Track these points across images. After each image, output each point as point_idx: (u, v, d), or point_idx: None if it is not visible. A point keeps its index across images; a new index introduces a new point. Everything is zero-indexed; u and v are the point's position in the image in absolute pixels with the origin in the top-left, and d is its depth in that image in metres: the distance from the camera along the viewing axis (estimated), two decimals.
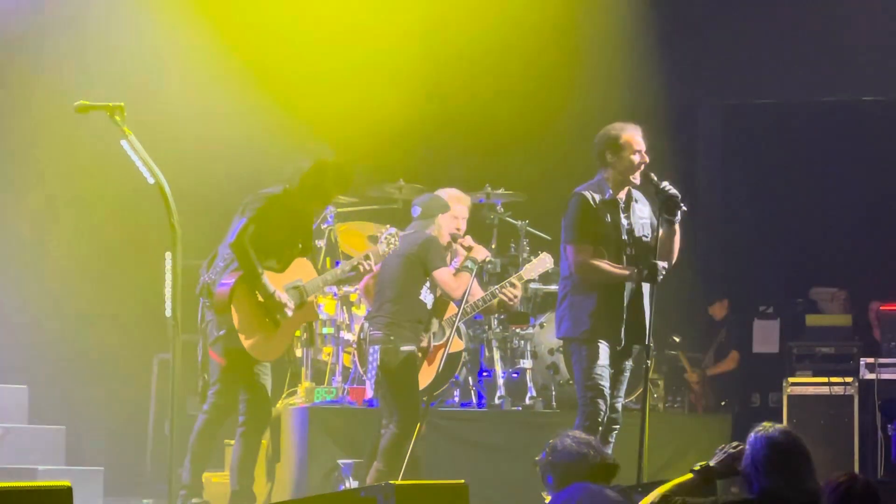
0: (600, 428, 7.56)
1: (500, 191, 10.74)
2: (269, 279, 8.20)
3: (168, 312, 7.06)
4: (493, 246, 10.75)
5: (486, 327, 10.37)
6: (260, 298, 8.20)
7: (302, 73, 11.96)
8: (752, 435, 4.64)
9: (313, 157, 8.51)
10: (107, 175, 10.31)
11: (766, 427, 4.62)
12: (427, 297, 8.63)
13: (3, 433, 9.41)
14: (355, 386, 9.95)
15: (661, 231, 7.64)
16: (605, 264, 7.60)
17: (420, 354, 8.62)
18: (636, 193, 7.90)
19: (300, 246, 8.54)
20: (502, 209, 10.84)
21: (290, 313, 8.28)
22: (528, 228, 10.62)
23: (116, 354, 11.44)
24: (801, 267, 14.27)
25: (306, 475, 9.39)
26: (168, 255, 7.17)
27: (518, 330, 10.29)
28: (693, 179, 15.03)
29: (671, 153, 14.62)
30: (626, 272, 7.62)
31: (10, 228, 10.91)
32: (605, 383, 7.61)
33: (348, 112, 12.90)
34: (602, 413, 7.58)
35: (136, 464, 11.68)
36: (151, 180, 6.74)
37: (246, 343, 8.12)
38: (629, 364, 7.85)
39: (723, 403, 12.18)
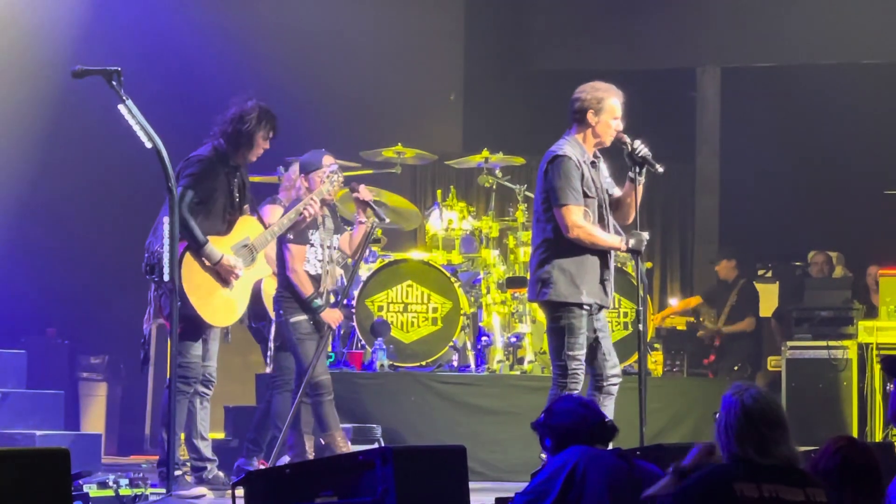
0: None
1: (499, 155, 10.71)
2: (216, 243, 7.94)
3: (166, 277, 7.06)
4: (492, 210, 10.74)
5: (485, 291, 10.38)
6: (208, 264, 7.96)
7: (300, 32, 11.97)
8: (726, 396, 4.52)
9: (231, 108, 8.14)
10: (103, 139, 10.29)
11: (741, 391, 4.50)
12: (315, 266, 8.54)
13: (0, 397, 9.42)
14: (354, 350, 9.96)
15: (623, 188, 7.52)
16: (599, 231, 7.43)
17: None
18: (599, 151, 7.69)
19: (241, 203, 8.18)
20: (500, 174, 10.81)
21: (240, 273, 8.07)
22: (527, 193, 10.59)
23: (115, 319, 11.45)
24: (799, 230, 14.27)
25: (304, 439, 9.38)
26: (166, 220, 7.15)
27: (517, 294, 10.27)
28: (691, 143, 15.02)
29: (669, 116, 14.65)
30: (618, 242, 7.45)
31: (3, 199, 10.90)
32: (584, 353, 7.44)
33: (349, 77, 12.90)
34: (580, 386, 7.40)
35: (135, 429, 11.72)
36: (149, 145, 6.73)
37: (201, 311, 7.88)
38: (602, 319, 7.58)
39: (735, 368, 12.22)
